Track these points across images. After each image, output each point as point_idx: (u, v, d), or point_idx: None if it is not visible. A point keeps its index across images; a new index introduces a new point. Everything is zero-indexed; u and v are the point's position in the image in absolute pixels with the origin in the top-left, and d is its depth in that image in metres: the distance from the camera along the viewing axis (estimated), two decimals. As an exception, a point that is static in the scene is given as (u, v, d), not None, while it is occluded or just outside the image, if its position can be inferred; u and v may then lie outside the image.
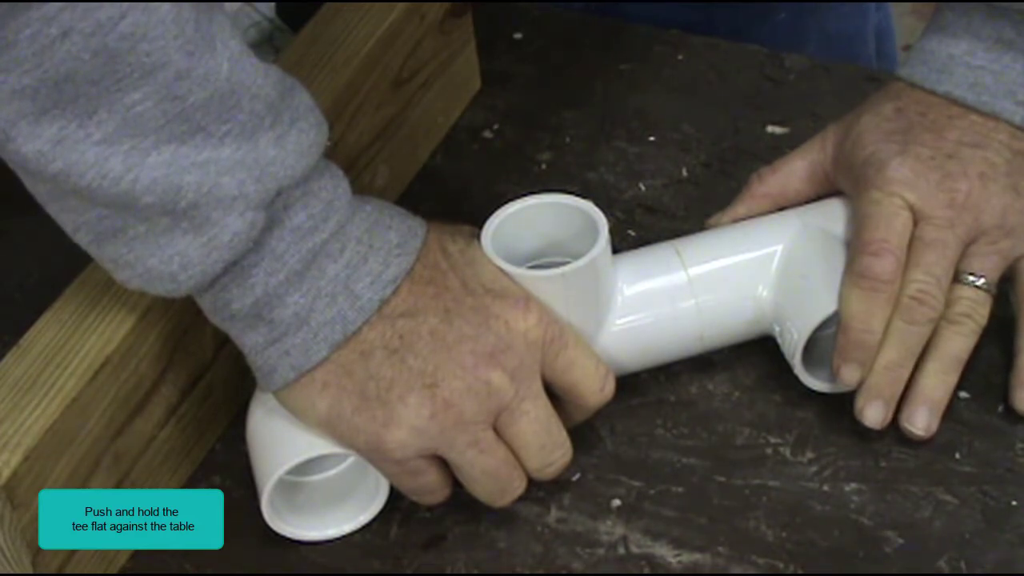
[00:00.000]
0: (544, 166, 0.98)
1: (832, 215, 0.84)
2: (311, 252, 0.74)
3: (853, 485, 0.79)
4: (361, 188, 0.92)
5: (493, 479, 0.76)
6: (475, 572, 0.78)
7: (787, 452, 0.81)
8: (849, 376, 0.79)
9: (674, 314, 0.82)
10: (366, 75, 0.91)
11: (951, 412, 0.81)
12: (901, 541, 0.77)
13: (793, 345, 0.80)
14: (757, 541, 0.77)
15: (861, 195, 0.82)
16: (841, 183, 0.85)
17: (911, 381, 0.80)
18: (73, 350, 0.76)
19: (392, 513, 0.80)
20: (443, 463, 0.76)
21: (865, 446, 0.81)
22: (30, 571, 0.73)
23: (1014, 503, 0.78)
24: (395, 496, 0.80)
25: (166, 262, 0.72)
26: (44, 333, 0.77)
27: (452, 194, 0.97)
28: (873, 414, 0.79)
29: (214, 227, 0.71)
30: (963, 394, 0.82)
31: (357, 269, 0.74)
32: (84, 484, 0.75)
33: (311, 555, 0.79)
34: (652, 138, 0.99)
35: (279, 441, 0.77)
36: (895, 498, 0.78)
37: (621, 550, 0.78)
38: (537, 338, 0.76)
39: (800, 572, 0.76)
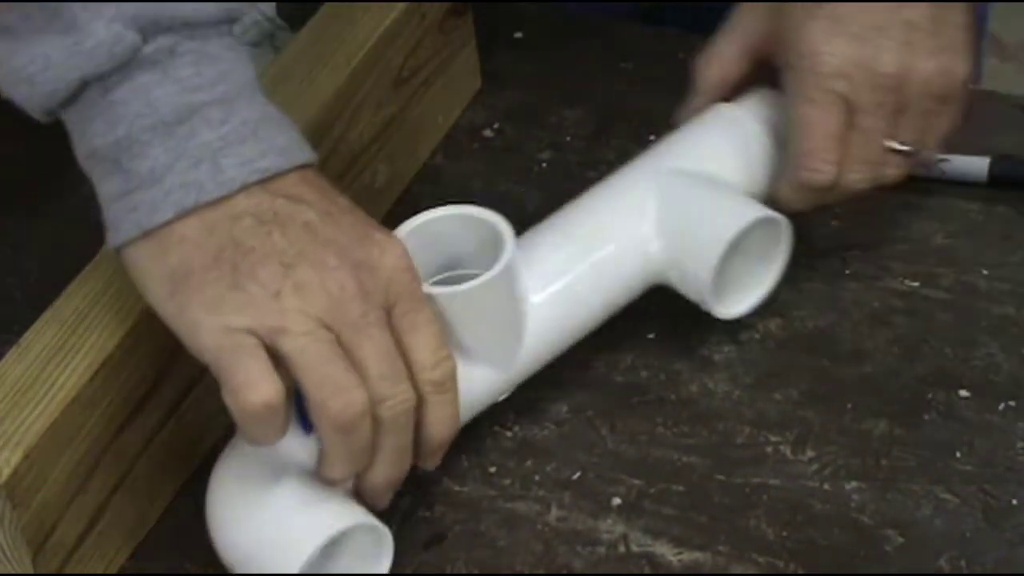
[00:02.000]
0: (544, 165, 0.98)
1: (682, 154, 0.87)
2: (188, 109, 0.72)
3: (853, 484, 0.79)
4: (361, 187, 0.93)
5: (325, 370, 0.70)
6: (475, 572, 0.78)
7: (787, 451, 0.81)
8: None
9: (579, 297, 0.82)
10: (366, 74, 0.91)
11: (951, 411, 0.82)
12: (901, 540, 0.77)
13: (702, 284, 0.82)
14: (757, 540, 0.77)
15: (796, 86, 0.84)
16: (776, 59, 0.86)
17: None
18: (73, 349, 0.76)
19: (392, 513, 0.80)
20: (272, 362, 0.71)
21: (865, 445, 0.81)
22: (31, 570, 0.73)
23: (1014, 502, 0.78)
24: (395, 495, 0.80)
25: (30, 62, 0.71)
26: (44, 333, 0.77)
27: (452, 193, 0.96)
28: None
29: (80, 31, 0.70)
30: (963, 393, 0.82)
31: (231, 146, 0.72)
32: (84, 483, 0.75)
33: (311, 554, 0.79)
34: (652, 137, 0.98)
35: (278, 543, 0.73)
36: (895, 497, 0.78)
37: (621, 549, 0.78)
38: (401, 280, 0.73)
39: (800, 571, 0.76)
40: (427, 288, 0.76)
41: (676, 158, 0.87)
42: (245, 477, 0.75)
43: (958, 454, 0.80)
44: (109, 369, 0.76)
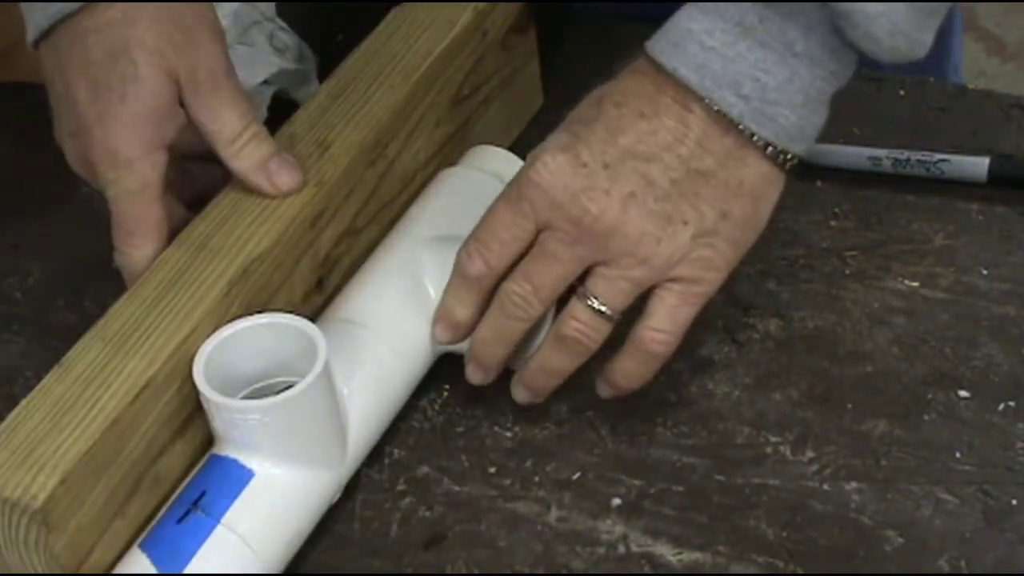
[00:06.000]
0: (544, 165, 0.98)
1: (434, 222, 0.87)
2: None
3: (853, 484, 0.79)
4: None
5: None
6: (475, 572, 0.78)
7: (787, 451, 0.81)
8: (440, 334, 0.83)
9: (385, 383, 0.82)
10: (425, 92, 0.89)
11: (951, 411, 0.82)
12: (901, 540, 0.77)
13: None
14: (757, 540, 0.77)
15: (509, 182, 0.81)
16: None
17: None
18: (115, 371, 0.74)
19: (392, 512, 0.80)
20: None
21: (865, 445, 0.81)
22: None
23: (1014, 502, 0.78)
24: (394, 495, 0.80)
25: None
26: (87, 352, 0.75)
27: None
28: (471, 373, 0.83)
29: None
30: (963, 393, 0.82)
31: None
32: (123, 506, 0.74)
33: (311, 554, 0.79)
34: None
35: None
36: (895, 497, 0.78)
37: (621, 549, 0.78)
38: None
39: (800, 571, 0.76)
40: (246, 403, 0.75)
41: (430, 227, 0.87)
42: None
43: (958, 454, 0.80)
44: (151, 390, 0.74)
